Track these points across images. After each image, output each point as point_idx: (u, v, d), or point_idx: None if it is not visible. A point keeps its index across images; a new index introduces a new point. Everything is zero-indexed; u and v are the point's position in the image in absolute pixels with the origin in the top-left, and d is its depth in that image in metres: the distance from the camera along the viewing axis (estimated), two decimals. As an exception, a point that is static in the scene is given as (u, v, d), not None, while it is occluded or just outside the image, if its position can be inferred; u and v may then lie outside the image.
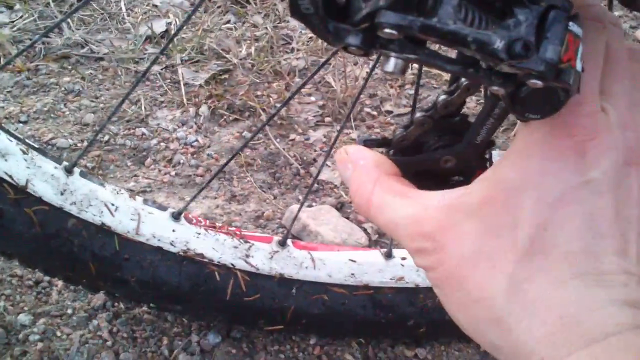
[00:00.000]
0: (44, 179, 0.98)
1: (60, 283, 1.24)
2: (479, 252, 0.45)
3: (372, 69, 1.09)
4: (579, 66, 0.57)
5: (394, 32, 0.52)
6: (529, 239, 0.43)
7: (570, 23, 0.55)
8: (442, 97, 0.70)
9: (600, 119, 0.47)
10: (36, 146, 1.00)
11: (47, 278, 1.25)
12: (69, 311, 1.20)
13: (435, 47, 0.58)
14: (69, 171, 1.00)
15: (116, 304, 1.22)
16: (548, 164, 0.46)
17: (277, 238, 1.12)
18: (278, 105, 1.67)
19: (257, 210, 1.44)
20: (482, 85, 0.63)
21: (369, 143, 0.77)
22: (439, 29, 0.52)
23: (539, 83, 0.55)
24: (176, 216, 1.06)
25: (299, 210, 1.16)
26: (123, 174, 1.50)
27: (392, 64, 0.56)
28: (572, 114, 0.48)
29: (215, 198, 1.46)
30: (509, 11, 0.54)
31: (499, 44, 0.52)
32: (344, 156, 0.57)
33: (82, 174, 1.02)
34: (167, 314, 1.21)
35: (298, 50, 1.87)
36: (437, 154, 0.71)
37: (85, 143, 1.55)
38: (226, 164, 1.06)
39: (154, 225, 1.05)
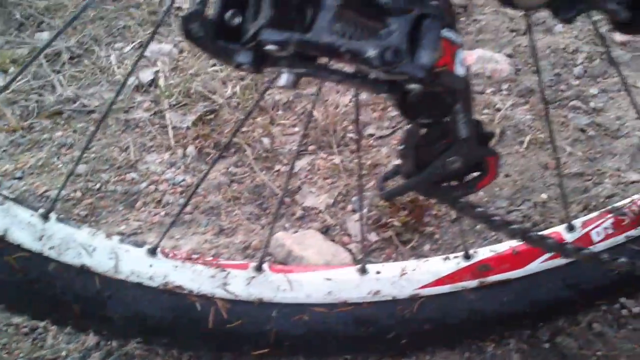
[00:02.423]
0: (21, 227, 1.03)
1: (54, 328, 1.29)
2: None
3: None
4: (459, 70, 0.62)
5: (275, 47, 0.57)
6: None
7: (445, 30, 0.60)
8: (407, 127, 0.75)
9: None
10: (10, 197, 1.06)
11: (42, 324, 1.30)
12: (64, 353, 1.25)
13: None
14: (45, 217, 1.06)
15: (108, 342, 1.26)
16: None
17: (253, 264, 1.16)
18: (263, 139, 1.73)
19: (244, 241, 1.49)
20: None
21: (387, 176, 0.83)
22: (314, 42, 0.57)
23: (417, 87, 0.59)
24: (152, 251, 1.11)
25: (272, 229, 1.20)
26: (115, 219, 1.55)
27: (284, 78, 0.62)
28: None
29: (204, 233, 1.51)
30: (383, 22, 0.59)
31: (371, 52, 0.57)
32: None
33: (58, 219, 1.08)
34: (158, 348, 1.25)
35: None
36: (439, 162, 0.76)
37: (79, 193, 1.61)
38: (186, 203, 1.11)
39: (132, 262, 1.10)
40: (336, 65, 0.68)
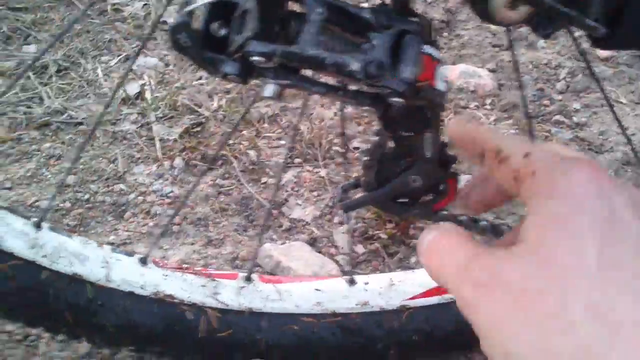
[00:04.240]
0: (15, 235, 1.04)
1: (47, 335, 1.30)
2: (545, 278, 0.43)
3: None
4: (440, 85, 0.64)
5: (261, 59, 0.59)
6: (598, 256, 0.42)
7: (425, 46, 0.62)
8: (375, 138, 0.77)
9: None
10: (4, 205, 1.07)
11: (35, 331, 1.31)
12: (57, 361, 1.27)
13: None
14: (37, 226, 1.07)
15: (100, 350, 1.27)
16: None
17: (242, 274, 1.17)
18: (249, 151, 1.75)
19: (232, 252, 1.50)
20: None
21: (346, 187, 0.85)
22: (299, 54, 0.59)
23: (400, 101, 0.61)
24: (144, 261, 1.13)
25: (260, 239, 1.21)
26: (104, 229, 1.56)
27: (269, 89, 0.64)
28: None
29: (192, 244, 1.52)
30: (366, 36, 0.61)
31: (355, 65, 0.59)
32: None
33: (50, 228, 1.09)
34: (149, 356, 1.26)
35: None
36: (400, 180, 0.78)
37: (68, 203, 1.62)
38: (180, 207, 1.13)
39: (123, 271, 1.11)
40: (320, 77, 0.70)
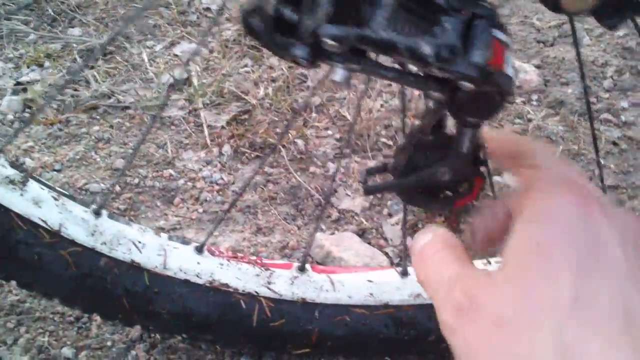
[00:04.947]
0: (75, 222, 1.05)
1: (99, 318, 1.31)
2: (519, 310, 0.43)
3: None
4: (508, 71, 0.63)
5: (334, 43, 0.59)
6: (573, 292, 0.42)
7: (495, 30, 0.61)
8: (416, 122, 0.75)
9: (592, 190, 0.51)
10: (66, 193, 1.08)
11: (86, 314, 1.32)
12: (109, 343, 1.28)
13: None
14: (97, 213, 1.08)
15: (152, 335, 1.28)
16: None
17: (296, 264, 1.17)
18: (297, 140, 1.75)
19: (282, 241, 1.51)
20: (443, 107, 0.68)
21: (372, 171, 0.83)
22: (372, 37, 0.59)
23: (470, 85, 0.60)
24: (199, 249, 1.13)
25: (316, 229, 1.21)
26: (154, 214, 1.57)
27: (338, 74, 0.63)
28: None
29: (242, 231, 1.53)
30: (437, 20, 0.60)
31: (427, 49, 0.58)
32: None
33: (109, 216, 1.10)
34: (201, 343, 1.27)
35: (313, 87, 1.94)
36: (430, 170, 0.77)
37: (117, 187, 1.63)
38: (236, 199, 1.13)
39: (180, 259, 1.12)
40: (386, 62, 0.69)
